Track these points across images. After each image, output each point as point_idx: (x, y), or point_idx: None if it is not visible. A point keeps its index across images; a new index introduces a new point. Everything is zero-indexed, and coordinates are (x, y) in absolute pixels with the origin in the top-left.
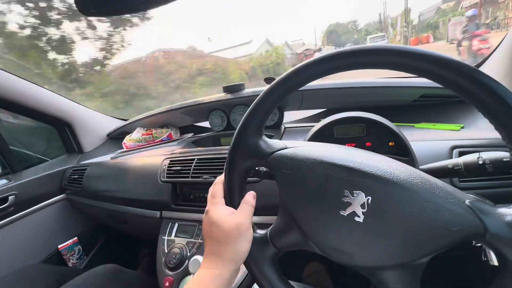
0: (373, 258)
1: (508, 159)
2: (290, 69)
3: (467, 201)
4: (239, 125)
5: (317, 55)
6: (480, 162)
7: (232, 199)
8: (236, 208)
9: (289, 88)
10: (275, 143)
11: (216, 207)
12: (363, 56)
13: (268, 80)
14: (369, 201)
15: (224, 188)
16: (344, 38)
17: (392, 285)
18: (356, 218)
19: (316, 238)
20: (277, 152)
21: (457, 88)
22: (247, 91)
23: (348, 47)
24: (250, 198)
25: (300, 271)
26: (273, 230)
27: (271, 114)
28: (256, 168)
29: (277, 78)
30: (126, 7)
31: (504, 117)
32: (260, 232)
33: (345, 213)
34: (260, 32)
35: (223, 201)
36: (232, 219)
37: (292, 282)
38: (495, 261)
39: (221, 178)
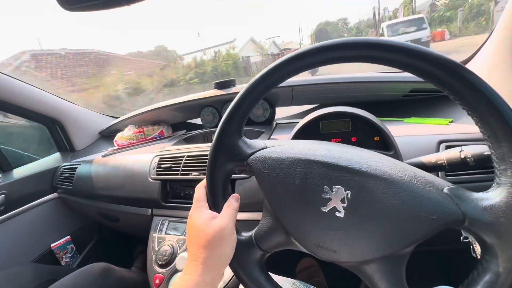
0: (356, 253)
1: (488, 153)
2: (265, 69)
3: (445, 189)
4: (218, 128)
5: None
6: (462, 156)
7: (215, 203)
8: (219, 212)
9: (266, 88)
10: (255, 143)
11: (200, 210)
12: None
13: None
14: (349, 195)
15: (206, 192)
16: (334, 36)
17: (377, 278)
18: (337, 214)
19: (299, 237)
20: (256, 153)
21: (440, 83)
22: (238, 87)
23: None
24: (233, 201)
25: (293, 266)
26: (258, 232)
27: (249, 114)
28: None
29: (252, 79)
30: (109, 1)
31: (483, 112)
32: (245, 234)
33: (326, 209)
34: (246, 32)
35: (206, 204)
36: (214, 223)
37: (285, 278)
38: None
39: (204, 182)
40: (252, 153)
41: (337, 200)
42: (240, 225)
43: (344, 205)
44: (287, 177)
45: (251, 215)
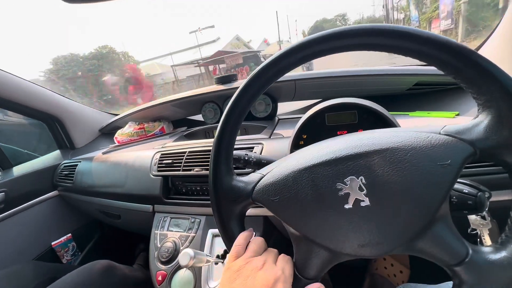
0: (402, 233)
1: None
2: (234, 96)
3: (441, 131)
4: (209, 177)
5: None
6: None
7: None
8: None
9: (244, 110)
10: (251, 177)
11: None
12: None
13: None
14: (363, 180)
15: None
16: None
17: (437, 249)
18: (362, 204)
19: (339, 245)
20: (257, 185)
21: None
22: (240, 81)
23: None
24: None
25: None
26: (297, 263)
27: (233, 147)
28: (246, 158)
29: (229, 103)
30: None
31: (458, 67)
32: None
33: (349, 205)
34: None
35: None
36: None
37: None
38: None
39: (242, 235)
40: (253, 188)
41: (355, 190)
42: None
43: (364, 192)
44: (298, 193)
45: (253, 211)
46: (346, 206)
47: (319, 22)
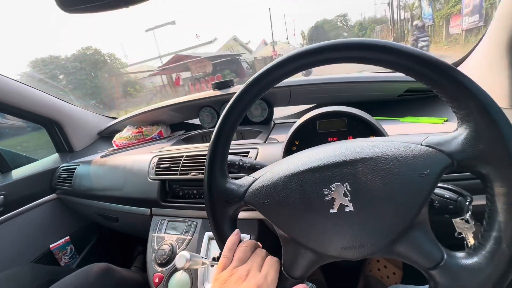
0: (382, 237)
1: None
2: (233, 99)
3: (423, 142)
4: (204, 179)
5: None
6: None
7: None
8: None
9: (238, 118)
10: (243, 181)
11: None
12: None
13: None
14: (348, 187)
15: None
16: (333, 35)
17: (412, 251)
18: (346, 209)
19: (324, 248)
20: (249, 188)
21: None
22: (236, 87)
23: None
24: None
25: None
26: (285, 264)
27: (227, 152)
28: (241, 164)
29: (223, 112)
30: (107, 3)
31: (440, 83)
32: None
33: (334, 209)
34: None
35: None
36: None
37: None
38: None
39: (231, 240)
40: (246, 190)
41: (340, 196)
42: (238, 225)
43: (348, 198)
44: (286, 197)
45: (248, 214)
46: (332, 211)
47: (320, 22)
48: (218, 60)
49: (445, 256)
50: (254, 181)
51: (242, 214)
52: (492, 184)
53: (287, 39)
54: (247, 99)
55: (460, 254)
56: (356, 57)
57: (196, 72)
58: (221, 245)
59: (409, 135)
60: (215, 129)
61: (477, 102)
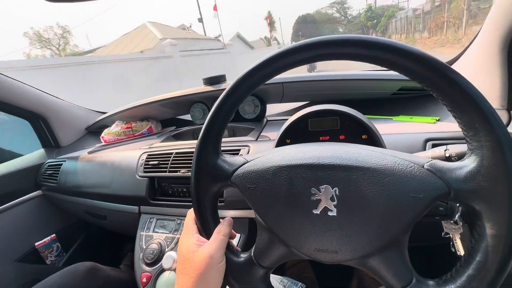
0: (357, 248)
1: None
2: (231, 83)
3: (425, 165)
4: (194, 151)
5: None
6: (447, 155)
7: (205, 228)
8: (209, 237)
9: (237, 100)
10: (235, 160)
11: (187, 236)
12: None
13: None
14: (337, 192)
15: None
16: (327, 29)
17: (384, 269)
18: (330, 213)
19: (298, 245)
20: (238, 169)
21: (420, 79)
22: (228, 82)
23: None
24: (224, 226)
25: (283, 263)
26: (257, 250)
27: (224, 130)
28: None
29: (220, 96)
30: None
31: (461, 107)
32: (244, 255)
33: (317, 211)
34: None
35: (195, 229)
36: (201, 251)
37: (272, 275)
38: (461, 251)
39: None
40: (234, 170)
41: (327, 199)
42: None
43: (335, 203)
44: (273, 187)
45: (239, 213)
46: (314, 211)
47: (311, 15)
48: None
49: (414, 280)
50: (245, 163)
51: (232, 213)
52: (483, 223)
53: (272, 37)
54: (257, 77)
55: (430, 282)
56: (367, 55)
57: None
58: (200, 220)
59: (413, 154)
60: (217, 101)
61: (494, 137)
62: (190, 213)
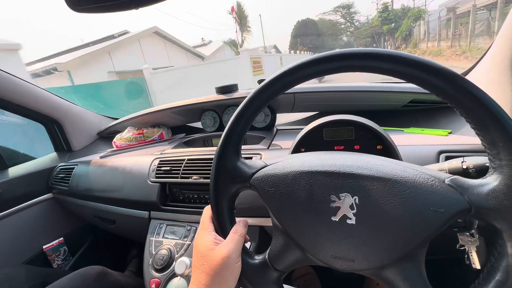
0: (374, 259)
1: (489, 164)
2: (255, 89)
3: (447, 180)
4: (216, 151)
5: None
6: (464, 167)
7: (222, 227)
8: (225, 237)
9: (258, 107)
10: (254, 163)
11: (204, 234)
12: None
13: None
14: (357, 200)
15: (212, 216)
16: (330, 37)
17: (399, 281)
18: (348, 221)
19: (314, 250)
20: (258, 172)
21: (444, 95)
22: (241, 92)
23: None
24: (240, 227)
25: (290, 273)
26: (271, 253)
27: (244, 134)
28: None
29: (245, 100)
30: (117, 4)
31: (485, 125)
32: (259, 257)
33: (336, 218)
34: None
35: (211, 227)
36: (218, 250)
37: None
38: (477, 264)
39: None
40: (254, 173)
41: (346, 207)
42: None
43: (354, 211)
44: (293, 192)
45: (250, 221)
46: (333, 218)
47: (310, 21)
48: None
49: None
50: (264, 166)
51: (251, 221)
52: (504, 242)
53: (263, 47)
54: (279, 85)
55: None
56: (383, 68)
57: None
58: (217, 219)
59: (429, 167)
60: (244, 101)
61: None
62: (207, 210)
